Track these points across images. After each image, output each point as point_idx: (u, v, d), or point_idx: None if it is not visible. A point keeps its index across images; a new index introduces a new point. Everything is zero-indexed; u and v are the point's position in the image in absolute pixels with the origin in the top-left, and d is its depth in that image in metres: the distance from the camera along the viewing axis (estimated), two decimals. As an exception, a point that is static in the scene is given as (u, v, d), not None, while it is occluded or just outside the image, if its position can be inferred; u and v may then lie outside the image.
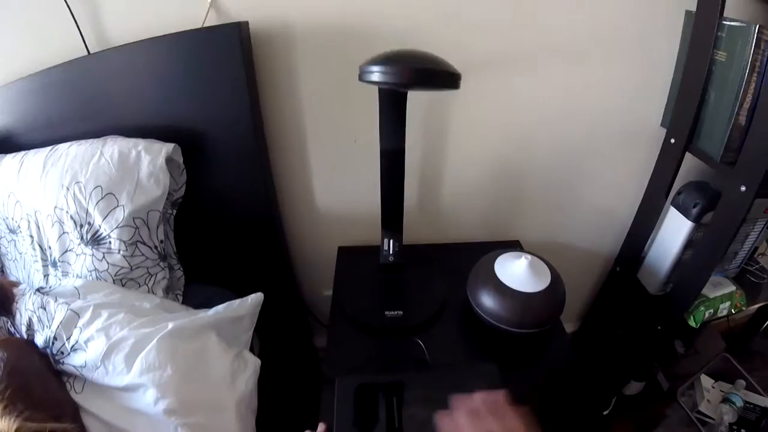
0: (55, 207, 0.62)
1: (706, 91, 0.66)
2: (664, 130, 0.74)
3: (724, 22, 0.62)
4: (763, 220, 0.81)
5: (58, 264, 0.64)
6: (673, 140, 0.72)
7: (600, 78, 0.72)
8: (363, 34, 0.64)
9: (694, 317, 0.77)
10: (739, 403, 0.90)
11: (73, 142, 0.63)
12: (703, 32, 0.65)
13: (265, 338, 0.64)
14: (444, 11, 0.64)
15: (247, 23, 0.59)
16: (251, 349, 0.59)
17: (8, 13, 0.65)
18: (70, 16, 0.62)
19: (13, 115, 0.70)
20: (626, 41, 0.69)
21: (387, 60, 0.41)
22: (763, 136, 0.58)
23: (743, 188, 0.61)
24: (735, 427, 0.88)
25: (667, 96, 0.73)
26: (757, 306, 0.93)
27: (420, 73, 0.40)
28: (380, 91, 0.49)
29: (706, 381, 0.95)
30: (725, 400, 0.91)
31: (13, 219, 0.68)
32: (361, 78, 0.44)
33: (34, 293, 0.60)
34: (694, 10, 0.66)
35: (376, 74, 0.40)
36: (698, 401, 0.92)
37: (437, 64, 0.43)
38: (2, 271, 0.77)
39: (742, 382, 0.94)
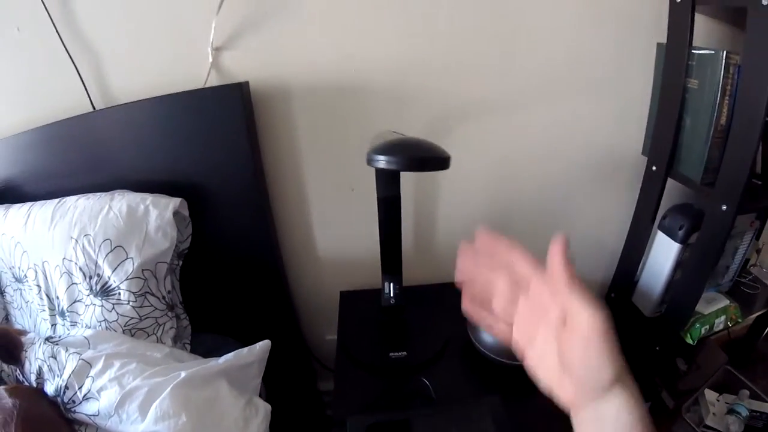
0: (64, 258, 0.66)
1: (682, 118, 0.72)
2: (646, 159, 0.80)
3: (694, 51, 0.68)
4: (751, 233, 0.86)
5: (67, 314, 0.68)
6: (654, 167, 0.78)
7: (581, 113, 0.78)
8: (356, 90, 0.70)
9: (690, 334, 0.81)
10: (745, 413, 0.93)
11: (81, 195, 0.68)
12: (674, 62, 0.71)
13: (270, 384, 0.68)
14: (432, 66, 0.71)
15: (247, 83, 0.64)
16: (259, 395, 0.62)
17: (15, 67, 0.71)
18: (76, 73, 0.68)
19: (19, 165, 0.75)
20: (603, 76, 0.76)
21: (390, 150, 0.50)
22: (739, 156, 0.63)
23: (724, 207, 0.65)
24: (743, 437, 0.91)
25: (645, 125, 0.79)
26: (754, 316, 0.97)
27: (417, 161, 0.51)
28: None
29: (710, 395, 0.98)
30: (730, 411, 0.94)
31: (19, 268, 0.72)
32: (368, 164, 0.52)
33: (44, 342, 0.63)
34: (665, 42, 0.72)
35: (382, 162, 0.49)
36: (704, 415, 0.95)
37: (431, 151, 0.52)
38: (7, 319, 0.80)
39: (746, 392, 0.97)
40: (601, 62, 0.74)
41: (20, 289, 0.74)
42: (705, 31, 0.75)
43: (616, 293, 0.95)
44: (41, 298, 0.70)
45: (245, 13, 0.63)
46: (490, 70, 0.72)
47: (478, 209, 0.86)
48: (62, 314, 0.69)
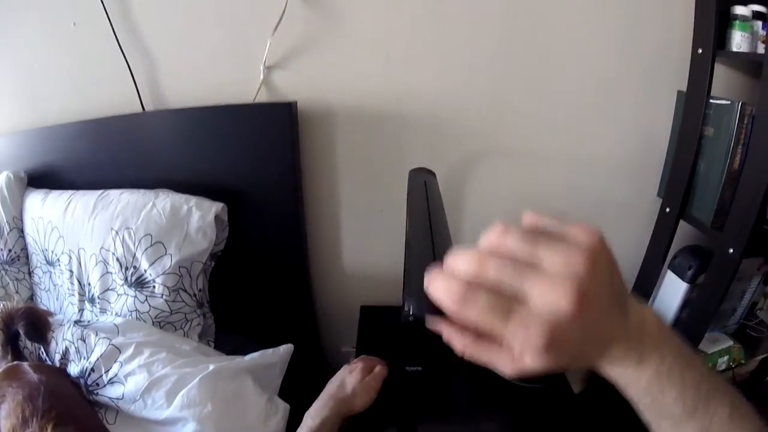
0: (101, 247, 0.72)
1: (697, 164, 0.78)
2: (660, 200, 0.86)
3: (712, 101, 0.75)
4: (758, 277, 0.91)
5: (97, 301, 0.74)
6: (668, 209, 0.83)
7: (603, 155, 0.84)
8: (396, 117, 0.77)
9: (693, 373, 0.86)
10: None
11: (125, 189, 0.74)
12: (693, 110, 0.77)
13: (285, 391, 0.70)
14: (468, 103, 0.78)
15: (296, 103, 0.71)
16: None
17: (69, 60, 0.78)
18: (129, 73, 0.75)
19: (64, 154, 0.81)
20: (625, 120, 0.82)
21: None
22: (748, 201, 0.68)
23: (731, 250, 0.71)
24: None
25: (662, 169, 0.86)
26: (759, 359, 1.01)
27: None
28: (410, 174, 0.61)
29: (710, 435, 1.02)
30: (729, 453, 0.97)
31: (53, 252, 0.78)
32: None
33: (74, 325, 0.69)
34: (685, 90, 0.79)
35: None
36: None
37: None
38: (32, 299, 0.86)
39: None
40: (623, 107, 0.81)
41: (50, 272, 0.80)
42: (724, 79, 0.81)
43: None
44: (72, 283, 0.76)
45: (299, 36, 0.71)
46: (521, 114, 0.80)
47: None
48: (92, 300, 0.75)
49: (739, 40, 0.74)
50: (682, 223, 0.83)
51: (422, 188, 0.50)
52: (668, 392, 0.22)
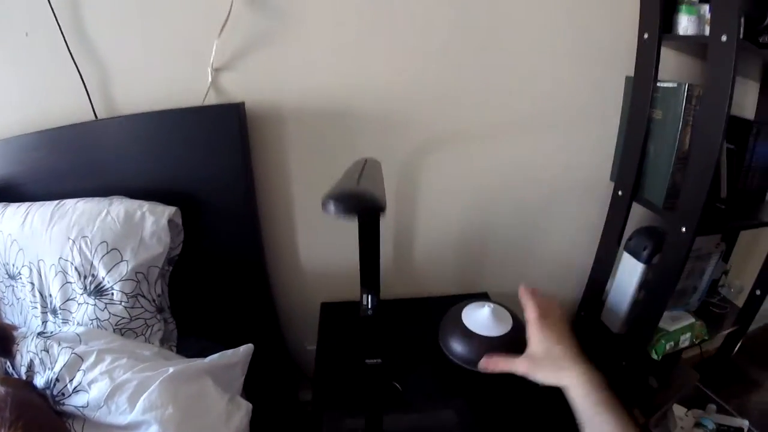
0: (60, 258, 0.73)
1: (647, 147, 0.81)
2: (613, 184, 0.89)
3: (659, 84, 0.78)
4: (717, 255, 0.95)
5: (59, 312, 0.74)
6: (620, 192, 0.87)
7: (555, 143, 0.87)
8: (346, 114, 0.79)
9: (655, 350, 0.90)
10: (711, 426, 1.01)
11: (80, 199, 0.75)
12: (640, 95, 0.81)
13: (252, 392, 0.72)
14: (419, 97, 0.80)
15: (243, 104, 0.73)
16: (240, 398, 0.68)
17: (22, 71, 0.78)
18: (80, 81, 0.75)
19: (20, 166, 0.81)
20: (577, 109, 0.85)
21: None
22: (698, 181, 0.71)
23: (684, 229, 0.74)
24: (710, 449, 0.99)
25: (613, 153, 0.89)
26: (724, 333, 1.06)
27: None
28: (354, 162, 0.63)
29: (678, 410, 1.06)
30: (697, 425, 1.02)
31: (14, 265, 0.79)
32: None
33: (37, 336, 0.70)
34: (633, 75, 0.82)
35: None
36: (671, 429, 1.04)
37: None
38: (-4, 315, 0.86)
39: (713, 406, 1.05)
40: (575, 96, 0.84)
41: (12, 286, 0.81)
42: (674, 63, 0.85)
43: (585, 311, 1.03)
44: (34, 296, 0.77)
45: (245, 37, 0.72)
46: (474, 103, 0.82)
47: (456, 231, 0.95)
48: (54, 312, 0.76)
49: (686, 24, 0.77)
50: (635, 206, 0.86)
51: (361, 161, 0.54)
52: (591, 396, 0.45)
